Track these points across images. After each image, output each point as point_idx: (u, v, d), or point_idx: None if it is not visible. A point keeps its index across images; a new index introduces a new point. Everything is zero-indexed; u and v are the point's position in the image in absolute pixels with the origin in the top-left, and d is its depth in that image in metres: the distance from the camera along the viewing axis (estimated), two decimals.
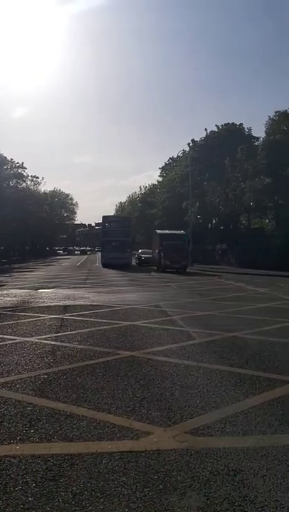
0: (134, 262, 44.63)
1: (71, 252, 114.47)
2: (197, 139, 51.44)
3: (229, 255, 42.45)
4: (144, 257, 43.24)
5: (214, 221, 51.26)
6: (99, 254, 60.44)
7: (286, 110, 38.95)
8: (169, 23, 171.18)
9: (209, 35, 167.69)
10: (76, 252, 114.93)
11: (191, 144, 51.98)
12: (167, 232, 38.89)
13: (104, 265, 40.30)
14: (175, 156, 68.14)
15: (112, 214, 79.23)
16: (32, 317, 11.64)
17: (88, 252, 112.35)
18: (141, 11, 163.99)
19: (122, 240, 40.45)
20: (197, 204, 48.80)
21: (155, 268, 36.50)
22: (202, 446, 4.11)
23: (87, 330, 9.88)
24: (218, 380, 6.10)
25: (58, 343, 8.54)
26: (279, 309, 13.30)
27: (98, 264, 50.51)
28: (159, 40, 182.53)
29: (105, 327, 10.19)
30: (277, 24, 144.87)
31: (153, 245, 40.83)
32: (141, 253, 46.32)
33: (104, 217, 44.71)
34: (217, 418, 4.74)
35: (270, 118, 40.05)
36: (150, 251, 44.05)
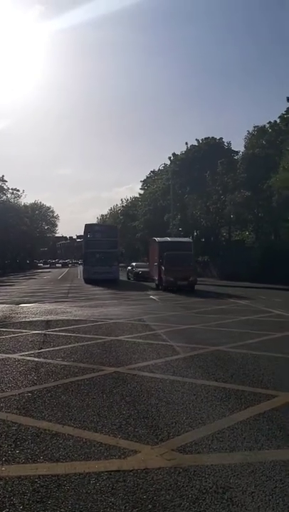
0: (125, 277, 42.07)
1: (53, 265, 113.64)
2: (178, 152, 51.99)
3: (211, 267, 42.73)
4: (141, 271, 37.85)
5: (196, 233, 51.63)
6: (80, 267, 57.54)
7: (264, 125, 39.79)
8: (152, 38, 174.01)
9: (192, 49, 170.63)
10: (58, 265, 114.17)
11: (172, 158, 52.44)
12: (169, 239, 31.58)
13: (88, 281, 34.82)
14: (156, 169, 68.80)
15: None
16: (14, 333, 11.50)
17: (70, 265, 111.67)
18: (124, 26, 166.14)
19: (108, 251, 35.37)
20: (178, 217, 49.13)
21: (153, 285, 29.58)
22: (190, 463, 4.10)
23: (70, 345, 9.79)
24: (204, 396, 6.10)
25: (42, 360, 8.45)
26: (262, 322, 13.41)
27: (80, 277, 50.27)
28: (140, 54, 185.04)
29: (89, 342, 10.13)
30: (259, 39, 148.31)
31: (150, 256, 32.58)
32: (136, 266, 41.21)
33: (87, 226, 38.69)
34: (204, 434, 4.74)
35: (248, 132, 40.87)
36: (144, 264, 39.92)
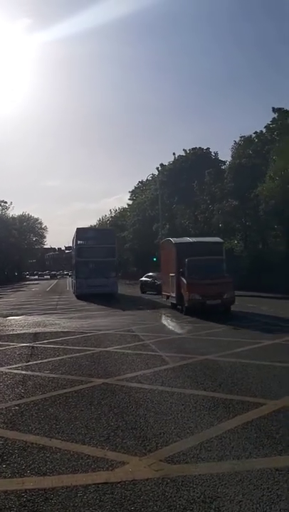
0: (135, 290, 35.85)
1: (42, 277, 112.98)
2: (166, 163, 52.30)
3: None
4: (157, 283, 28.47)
5: None
6: (70, 279, 55.28)
7: (250, 135, 40.23)
8: (139, 51, 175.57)
9: (179, 60, 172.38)
10: (46, 277, 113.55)
11: (159, 168, 52.73)
12: (190, 240, 22.23)
13: (80, 296, 29.01)
14: (144, 180, 69.07)
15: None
16: (1, 346, 11.40)
17: (58, 277, 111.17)
18: (110, 39, 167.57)
19: (104, 260, 29.60)
20: (167, 226, 49.26)
21: (167, 302, 22.06)
22: (178, 474, 4.08)
23: (58, 358, 9.73)
24: (193, 405, 6.10)
25: (29, 373, 8.38)
26: (250, 331, 13.44)
27: (69, 288, 50.01)
28: (128, 66, 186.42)
29: (77, 354, 10.08)
30: (246, 50, 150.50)
31: (163, 265, 23.97)
32: (155, 277, 30.97)
33: (78, 230, 32.33)
34: (192, 444, 4.73)
35: (235, 142, 41.21)
36: (153, 275, 32.57)
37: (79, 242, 30.98)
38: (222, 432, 5.06)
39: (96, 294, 27.25)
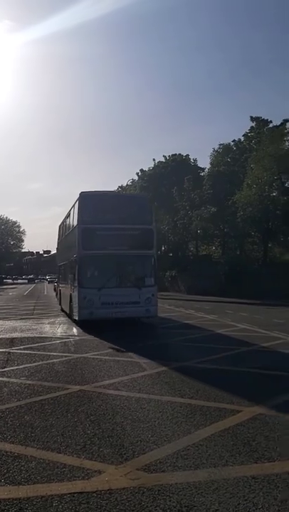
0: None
1: (18, 280, 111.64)
2: (146, 168, 52.42)
3: (178, 282, 42.96)
4: None
5: (163, 248, 51.91)
6: (46, 283, 50.95)
7: (229, 143, 40.79)
8: (120, 55, 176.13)
9: (162, 67, 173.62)
10: (23, 281, 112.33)
11: (139, 174, 52.83)
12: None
13: (87, 323, 15.37)
14: (124, 185, 69.00)
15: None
16: None
17: (36, 281, 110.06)
18: (94, 42, 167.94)
19: (134, 254, 16.05)
20: None
21: None
22: (154, 483, 4.06)
23: (35, 364, 9.61)
24: (170, 413, 6.09)
25: (5, 379, 8.25)
26: (228, 337, 13.53)
27: (46, 292, 49.50)
28: (109, 70, 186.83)
29: (54, 360, 9.97)
30: (228, 58, 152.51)
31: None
32: None
33: (85, 198, 16.17)
34: (169, 452, 4.72)
35: (214, 150, 41.74)
36: None
37: (85, 219, 15.71)
38: (199, 440, 5.06)
39: (115, 318, 15.30)
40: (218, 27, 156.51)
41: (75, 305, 15.88)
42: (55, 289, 37.80)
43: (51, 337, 13.73)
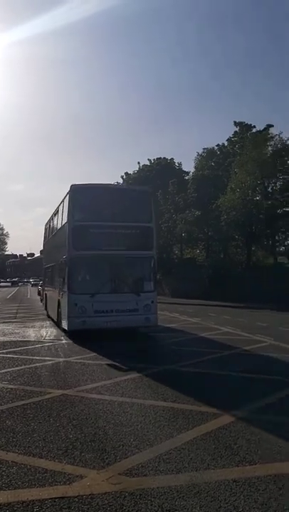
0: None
1: (15, 283, 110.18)
2: (130, 171, 52.45)
3: (163, 285, 42.98)
4: None
5: None
6: (29, 286, 49.71)
7: (213, 147, 41.10)
8: (106, 57, 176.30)
9: (146, 69, 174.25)
10: (6, 284, 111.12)
11: (124, 177, 52.84)
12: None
13: (78, 333, 13.52)
14: None
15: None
16: None
17: (20, 284, 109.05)
18: (78, 44, 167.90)
19: (132, 256, 14.29)
20: None
21: None
22: (136, 487, 4.06)
23: (17, 368, 9.53)
24: (152, 417, 6.09)
25: None
26: (211, 340, 13.59)
27: (30, 296, 49.10)
28: (94, 72, 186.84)
29: (37, 364, 9.90)
30: (213, 61, 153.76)
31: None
32: None
33: (77, 191, 14.19)
34: (151, 456, 4.73)
35: (198, 154, 42.01)
36: None
37: (76, 215, 14.01)
38: (181, 444, 5.07)
39: (110, 328, 13.34)
40: (203, 30, 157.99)
41: (64, 313, 14.01)
42: (39, 293, 37.11)
43: (34, 341, 13.63)
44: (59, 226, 16.73)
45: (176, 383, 8.02)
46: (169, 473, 4.35)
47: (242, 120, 38.54)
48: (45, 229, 23.30)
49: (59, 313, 15.59)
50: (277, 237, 35.66)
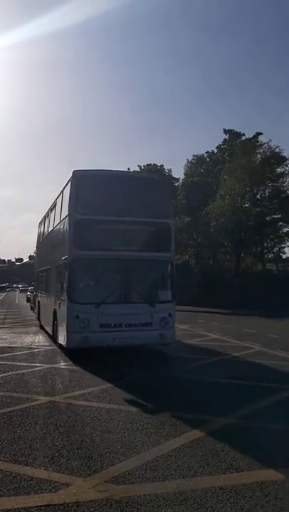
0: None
1: (3, 289, 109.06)
2: None
3: None
4: None
5: None
6: (17, 292, 47.78)
7: (202, 154, 41.36)
8: (99, 63, 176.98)
9: (138, 76, 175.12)
10: None
11: None
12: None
13: (79, 350, 11.01)
14: None
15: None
16: None
17: (8, 290, 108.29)
18: (70, 49, 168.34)
19: (146, 257, 11.62)
20: None
21: None
22: (122, 494, 4.03)
23: (4, 374, 9.44)
24: (140, 424, 6.06)
25: None
26: (199, 346, 13.60)
27: (18, 301, 48.75)
28: (86, 78, 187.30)
29: (24, 371, 9.82)
30: (206, 69, 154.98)
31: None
32: None
33: (80, 178, 11.71)
34: (138, 464, 4.70)
35: (188, 161, 42.21)
36: None
37: (79, 208, 11.62)
38: (168, 451, 5.05)
39: (121, 348, 11.22)
40: (196, 37, 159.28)
41: (62, 326, 11.51)
42: (28, 299, 35.50)
43: (21, 347, 13.52)
44: (57, 222, 13.99)
45: (164, 390, 8.01)
46: (156, 481, 4.33)
47: (233, 128, 38.91)
48: (40, 227, 20.77)
49: (55, 326, 13.11)
50: (265, 244, 35.91)
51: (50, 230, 16.26)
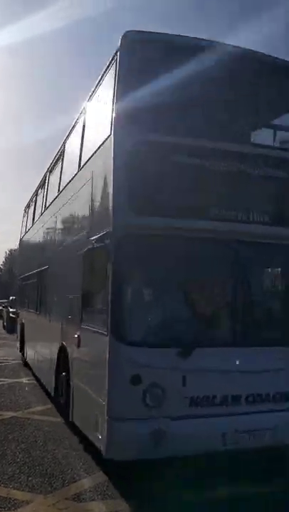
0: None
1: None
2: None
3: None
4: None
5: None
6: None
7: None
8: (72, 73, 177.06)
9: None
10: None
11: None
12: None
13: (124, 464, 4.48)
14: None
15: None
16: None
17: None
18: (41, 59, 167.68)
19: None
20: None
21: None
22: None
23: None
24: None
25: None
26: None
27: None
28: (62, 89, 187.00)
29: None
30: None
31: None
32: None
33: (131, 48, 4.62)
34: (100, 481, 4.65)
35: None
36: None
37: (135, 116, 4.54)
38: None
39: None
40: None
41: (92, 399, 4.90)
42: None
43: None
44: (73, 172, 6.72)
45: None
46: (118, 498, 4.30)
47: None
48: (25, 214, 13.62)
49: (71, 398, 5.96)
50: None
51: (53, 198, 8.69)
